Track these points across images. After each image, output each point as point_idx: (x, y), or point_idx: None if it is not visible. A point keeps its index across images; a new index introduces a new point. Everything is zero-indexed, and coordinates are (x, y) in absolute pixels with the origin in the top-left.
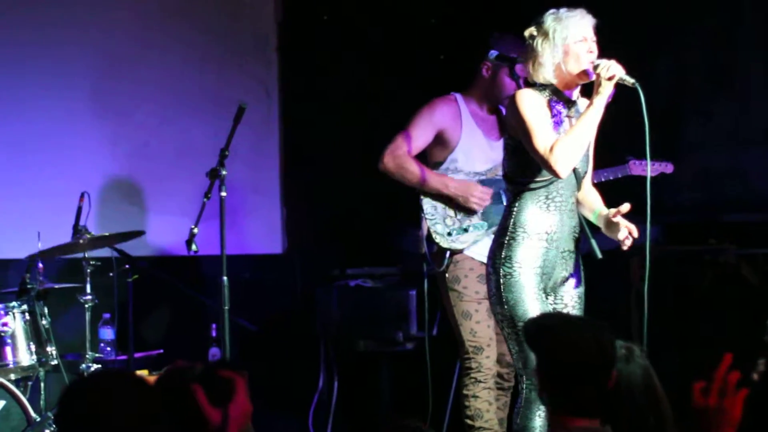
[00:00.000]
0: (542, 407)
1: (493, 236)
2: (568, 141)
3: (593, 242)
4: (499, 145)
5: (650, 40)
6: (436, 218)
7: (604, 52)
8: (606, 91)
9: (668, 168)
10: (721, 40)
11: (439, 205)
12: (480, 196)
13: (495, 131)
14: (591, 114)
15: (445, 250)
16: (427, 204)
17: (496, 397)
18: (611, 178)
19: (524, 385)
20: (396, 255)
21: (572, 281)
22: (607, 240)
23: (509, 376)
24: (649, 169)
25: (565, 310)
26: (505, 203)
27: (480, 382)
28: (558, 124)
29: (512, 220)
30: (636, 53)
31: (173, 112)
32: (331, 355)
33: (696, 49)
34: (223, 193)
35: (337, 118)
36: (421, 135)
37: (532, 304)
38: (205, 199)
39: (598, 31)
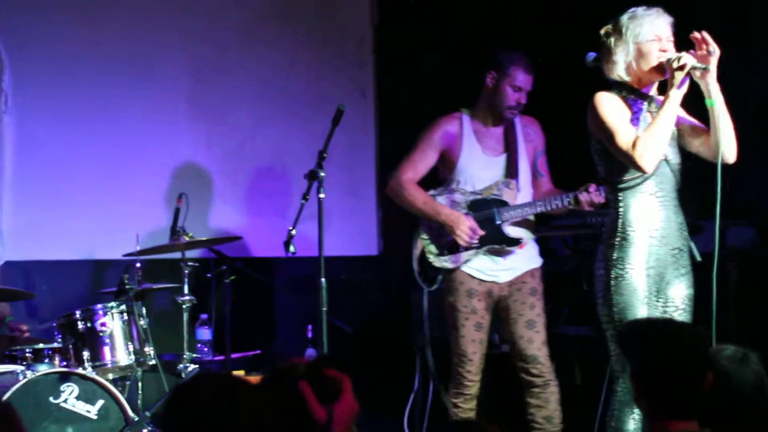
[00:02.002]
0: (636, 410)
1: (486, 255)
2: (649, 135)
3: (691, 244)
4: (500, 161)
5: (748, 38)
6: (430, 238)
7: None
8: (678, 82)
9: (600, 197)
10: None
11: (435, 225)
12: (466, 232)
13: (499, 146)
14: (668, 107)
15: (438, 268)
16: (424, 224)
17: (536, 395)
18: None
19: (620, 388)
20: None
21: (684, 282)
22: (704, 242)
23: (538, 371)
24: (720, 164)
25: (675, 313)
26: (497, 222)
27: (462, 394)
28: (639, 120)
29: (620, 221)
30: (733, 51)
31: (269, 114)
32: (427, 356)
33: None
34: (322, 195)
35: (432, 119)
36: (423, 158)
37: (641, 309)
38: (303, 201)
39: (695, 29)
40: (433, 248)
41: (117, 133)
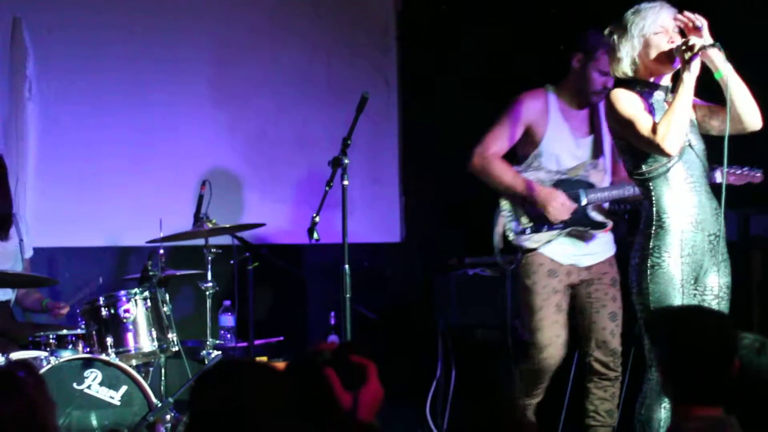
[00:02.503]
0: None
1: (567, 238)
2: (668, 119)
3: None
4: (587, 142)
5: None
6: (512, 216)
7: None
8: (690, 63)
9: (756, 177)
10: None
11: (519, 202)
12: (559, 209)
13: (585, 127)
14: (683, 89)
15: (517, 247)
16: (505, 201)
17: (604, 388)
18: None
19: (652, 377)
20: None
21: (722, 270)
22: (726, 231)
23: (615, 365)
24: (727, 136)
25: (714, 302)
26: (582, 203)
27: (536, 377)
28: (655, 110)
29: (654, 209)
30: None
31: (291, 101)
32: (449, 343)
33: None
34: (346, 182)
35: (456, 107)
36: (508, 133)
37: (677, 298)
38: (327, 188)
39: (723, 28)
40: (513, 226)
41: (140, 119)
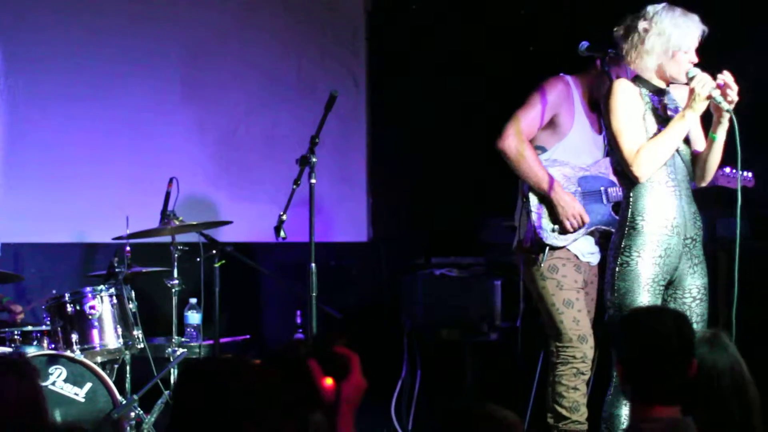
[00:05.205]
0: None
1: (590, 236)
2: (654, 148)
3: None
4: (600, 140)
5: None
6: (541, 212)
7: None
8: (699, 108)
9: (750, 182)
10: None
11: (545, 201)
12: (575, 220)
13: (596, 124)
14: (680, 125)
15: (545, 245)
16: (534, 197)
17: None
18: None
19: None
20: (481, 245)
21: (699, 272)
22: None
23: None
24: (739, 187)
25: (693, 304)
26: (605, 202)
27: (582, 374)
28: (651, 114)
29: (630, 210)
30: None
31: (261, 100)
32: (415, 343)
33: None
34: (313, 180)
35: (424, 108)
36: (538, 118)
37: (642, 295)
38: (294, 186)
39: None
40: (544, 223)
41: (109, 116)
